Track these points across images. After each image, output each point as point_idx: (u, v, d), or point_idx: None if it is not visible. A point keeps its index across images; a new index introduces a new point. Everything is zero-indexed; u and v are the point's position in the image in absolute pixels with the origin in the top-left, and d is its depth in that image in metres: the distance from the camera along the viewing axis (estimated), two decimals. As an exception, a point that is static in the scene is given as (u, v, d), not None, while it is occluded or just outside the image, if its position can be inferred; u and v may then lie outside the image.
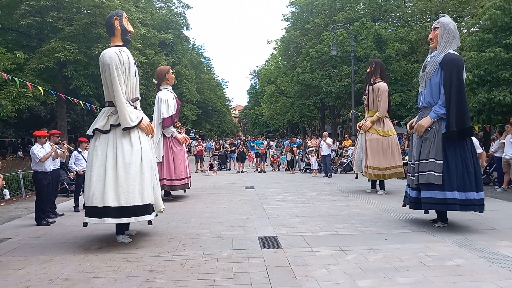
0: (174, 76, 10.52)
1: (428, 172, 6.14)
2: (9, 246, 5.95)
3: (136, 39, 17.40)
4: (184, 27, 31.54)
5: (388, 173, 10.18)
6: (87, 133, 6.14)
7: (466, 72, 12.75)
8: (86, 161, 9.33)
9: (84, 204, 5.80)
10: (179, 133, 10.41)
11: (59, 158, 8.50)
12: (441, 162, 6.10)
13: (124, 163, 5.64)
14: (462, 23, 23.36)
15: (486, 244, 5.34)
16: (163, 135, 9.88)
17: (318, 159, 16.44)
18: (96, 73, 16.54)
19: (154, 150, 6.50)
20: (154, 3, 27.30)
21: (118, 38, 6.12)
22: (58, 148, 8.23)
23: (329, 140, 16.26)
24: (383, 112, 10.33)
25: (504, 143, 10.88)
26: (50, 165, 7.82)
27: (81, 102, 12.68)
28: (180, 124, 11.18)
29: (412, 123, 6.89)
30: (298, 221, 7.09)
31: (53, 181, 8.10)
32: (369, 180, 10.92)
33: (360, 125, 10.84)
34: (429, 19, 25.29)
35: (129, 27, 6.24)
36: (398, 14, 27.75)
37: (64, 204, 9.77)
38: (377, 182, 10.68)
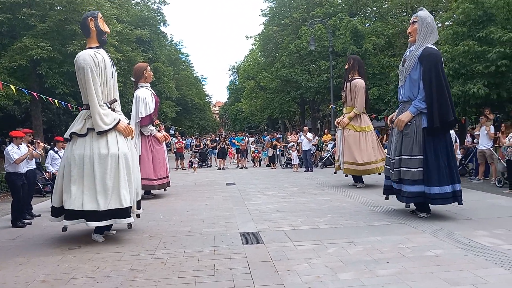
0: (152, 73, 10.34)
1: (414, 169, 6.26)
2: (-17, 249, 5.77)
3: (112, 36, 17.06)
4: (161, 23, 31.10)
5: (366, 168, 10.26)
6: (64, 136, 6.10)
7: (441, 65, 13.14)
8: (63, 161, 9.20)
9: (54, 207, 5.88)
10: (158, 131, 10.21)
11: (34, 158, 8.28)
12: (422, 157, 6.22)
13: (101, 167, 5.60)
14: (437, 17, 23.77)
15: (463, 234, 5.46)
16: (141, 134, 9.71)
17: (299, 154, 16.52)
18: (72, 71, 16.09)
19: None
20: (130, -1, 26.88)
21: (94, 40, 6.05)
22: (34, 150, 8.01)
23: (309, 135, 16.36)
24: (360, 108, 10.44)
25: (479, 134, 11.15)
26: (24, 167, 7.61)
27: (56, 101, 12.38)
28: (159, 122, 11.01)
29: (393, 117, 6.95)
30: (279, 216, 7.11)
31: (29, 182, 7.88)
32: (346, 176, 10.99)
33: (338, 121, 10.96)
34: (405, 14, 25.62)
35: (105, 28, 6.14)
36: (374, 8, 28.02)
37: (40, 205, 9.53)
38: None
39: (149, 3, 29.01)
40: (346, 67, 10.89)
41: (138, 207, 6.36)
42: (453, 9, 13.99)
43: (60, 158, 9.13)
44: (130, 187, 5.80)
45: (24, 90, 11.63)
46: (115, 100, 6.06)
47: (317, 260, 4.61)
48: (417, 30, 6.46)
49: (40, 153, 8.71)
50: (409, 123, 6.39)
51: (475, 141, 12.01)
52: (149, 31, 23.81)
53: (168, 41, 38.42)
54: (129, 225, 5.93)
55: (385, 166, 7.30)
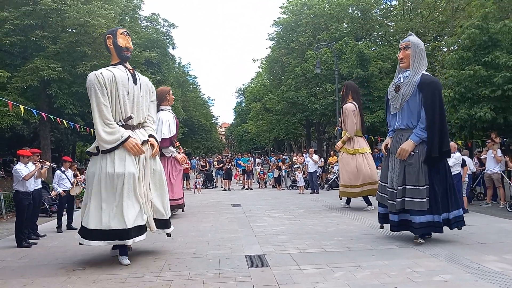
0: (173, 97, 10.68)
1: (423, 199, 6.12)
2: (-12, 269, 5.76)
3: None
4: (170, 46, 31.62)
5: (361, 190, 10.37)
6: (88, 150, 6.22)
7: (447, 89, 13.18)
8: (69, 181, 9.26)
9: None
10: (178, 153, 10.41)
11: (41, 178, 8.32)
12: (428, 187, 6.18)
13: (106, 187, 5.61)
14: (442, 42, 24.02)
15: (472, 259, 5.37)
16: (161, 155, 9.77)
17: (305, 176, 16.47)
18: (81, 91, 16.41)
19: (149, 168, 6.14)
20: (140, 22, 27.36)
21: (115, 57, 6.10)
22: (42, 166, 8.07)
23: (315, 157, 16.34)
24: (351, 131, 10.65)
25: (485, 158, 11.08)
26: (32, 185, 7.66)
27: (64, 121, 12.52)
28: (179, 144, 11.26)
29: (387, 144, 6.78)
30: (285, 239, 7.05)
31: (35, 202, 7.90)
32: (340, 198, 11.23)
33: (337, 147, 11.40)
34: (410, 38, 25.88)
35: (127, 43, 6.08)
36: (380, 33, 28.36)
37: (46, 225, 9.54)
38: (361, 198, 10.74)
39: (159, 26, 29.57)
40: (342, 93, 11.31)
41: (168, 226, 6.30)
42: (459, 34, 14.13)
43: (67, 178, 9.21)
44: (134, 207, 5.69)
45: (33, 110, 11.79)
46: (130, 118, 5.93)
47: (324, 285, 4.55)
48: (410, 56, 6.33)
49: (47, 167, 8.69)
50: (413, 153, 6.26)
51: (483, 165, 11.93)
52: (158, 54, 24.18)
53: (177, 63, 39.00)
54: (128, 248, 6.01)
55: (380, 193, 6.96)
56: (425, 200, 6.12)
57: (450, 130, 13.80)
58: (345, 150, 10.72)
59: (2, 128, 14.57)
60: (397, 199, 6.33)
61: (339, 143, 11.02)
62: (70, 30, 16.63)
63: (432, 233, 6.58)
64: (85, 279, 5.04)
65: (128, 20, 23.77)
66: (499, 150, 10.76)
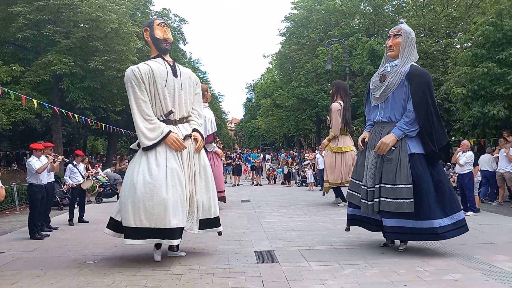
0: (210, 95, 10.91)
1: (399, 200, 5.41)
2: (2, 260, 5.86)
3: (133, 52, 17.47)
4: (181, 41, 31.70)
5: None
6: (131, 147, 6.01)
7: (460, 86, 13.03)
8: (81, 175, 9.37)
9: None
10: (218, 147, 11.00)
11: (53, 171, 8.44)
12: (411, 186, 5.41)
13: (145, 184, 5.27)
14: (455, 39, 23.72)
15: (483, 259, 5.32)
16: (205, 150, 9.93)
17: (314, 172, 16.44)
18: (92, 86, 16.57)
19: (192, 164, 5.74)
20: (151, 17, 27.51)
21: (153, 49, 5.82)
22: (54, 159, 8.18)
23: (325, 154, 16.28)
24: (335, 130, 10.93)
25: (498, 157, 10.95)
26: (45, 178, 7.77)
27: (76, 115, 12.65)
28: (218, 139, 11.71)
29: (365, 138, 6.09)
30: (294, 235, 7.05)
31: (48, 195, 8.02)
32: (323, 194, 12.09)
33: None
34: (422, 35, 25.61)
35: (165, 34, 5.75)
36: (392, 29, 28.14)
37: (58, 218, 9.67)
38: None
39: (170, 22, 29.64)
40: (331, 92, 11.63)
41: (218, 224, 5.91)
42: (472, 31, 13.94)
43: (79, 171, 9.32)
44: (183, 206, 5.37)
45: (45, 104, 11.93)
46: (171, 112, 5.65)
47: (332, 281, 4.55)
48: (400, 44, 5.71)
49: (59, 160, 8.79)
50: (393, 148, 5.58)
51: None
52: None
53: (187, 58, 39.06)
54: (176, 248, 5.85)
55: (350, 191, 6.21)
56: (404, 201, 5.38)
57: (462, 128, 13.67)
58: (329, 148, 11.12)
59: (15, 121, 14.76)
60: (375, 199, 5.66)
61: (325, 141, 11.44)
62: (82, 25, 16.76)
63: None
64: (97, 272, 5.10)
65: (139, 15, 23.90)
66: (511, 149, 10.61)
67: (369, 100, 6.19)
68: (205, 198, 5.70)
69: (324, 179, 11.42)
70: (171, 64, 5.77)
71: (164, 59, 5.75)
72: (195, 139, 5.74)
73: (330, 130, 11.46)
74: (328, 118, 11.53)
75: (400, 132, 5.60)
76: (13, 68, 13.45)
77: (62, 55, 15.52)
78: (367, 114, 6.28)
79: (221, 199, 10.33)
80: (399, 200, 5.42)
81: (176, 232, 5.28)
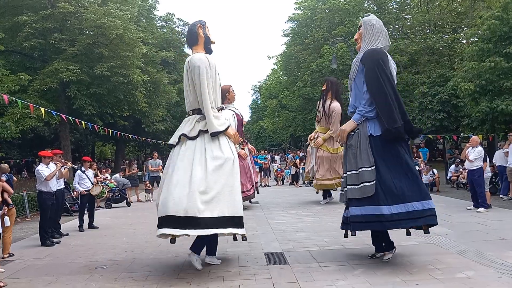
0: (235, 93, 10.32)
1: (362, 185, 5.04)
2: (14, 267, 5.91)
3: (138, 58, 17.56)
4: (186, 45, 31.86)
5: (338, 181, 10.65)
6: (170, 142, 5.59)
7: (467, 81, 12.91)
8: (90, 181, 9.43)
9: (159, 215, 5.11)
10: (242, 148, 10.52)
11: (62, 178, 8.50)
12: (373, 168, 5.02)
13: (213, 171, 5.08)
14: (461, 34, 23.55)
15: (495, 255, 5.26)
16: None
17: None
18: (99, 92, 16.69)
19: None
20: (155, 22, 27.62)
21: (201, 47, 5.67)
22: (62, 166, 8.24)
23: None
24: (336, 131, 10.73)
25: (507, 152, 10.83)
26: (55, 185, 7.83)
27: (83, 122, 12.73)
28: (242, 139, 11.12)
29: (312, 137, 5.78)
30: (304, 236, 7.03)
31: (58, 201, 8.08)
32: (317, 192, 11.72)
33: (311, 138, 11.45)
34: (428, 31, 25.47)
35: (210, 36, 5.79)
36: (397, 26, 27.98)
37: (68, 224, 9.74)
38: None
39: (174, 26, 29.81)
40: (324, 88, 11.17)
41: (242, 225, 5.26)
42: (478, 26, 13.83)
43: (87, 177, 9.38)
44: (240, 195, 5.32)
45: (53, 112, 12.03)
46: (222, 108, 5.75)
47: (344, 282, 4.52)
48: (362, 35, 5.58)
49: (68, 167, 8.86)
50: (352, 133, 5.34)
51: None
52: (173, 53, 24.42)
53: (192, 62, 39.17)
54: (244, 237, 5.39)
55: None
56: (368, 184, 4.99)
57: (471, 124, 13.54)
58: (326, 148, 10.99)
59: (24, 130, 14.91)
60: (343, 189, 5.41)
61: (319, 140, 11.05)
62: (87, 32, 16.91)
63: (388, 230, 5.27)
64: (108, 277, 5.13)
65: (144, 20, 24.04)
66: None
67: None
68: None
69: (317, 177, 11.10)
70: (213, 62, 5.61)
71: (207, 56, 5.58)
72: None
73: (318, 125, 11.35)
74: (318, 114, 11.29)
75: (358, 116, 5.32)
76: (21, 77, 13.59)
77: (69, 62, 15.66)
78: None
79: (247, 198, 10.29)
80: (362, 184, 5.05)
81: (242, 221, 5.21)
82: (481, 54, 12.89)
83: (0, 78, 12.89)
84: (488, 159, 9.95)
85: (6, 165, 7.88)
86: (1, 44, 12.73)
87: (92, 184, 9.49)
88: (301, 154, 22.64)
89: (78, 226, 9.00)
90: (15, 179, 10.91)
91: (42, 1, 15.89)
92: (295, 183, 18.51)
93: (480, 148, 9.24)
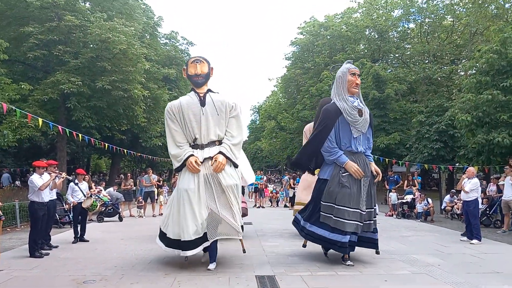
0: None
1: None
2: (1, 278, 5.81)
3: (140, 73, 17.68)
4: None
5: None
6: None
7: (464, 113, 13.04)
8: (83, 193, 9.37)
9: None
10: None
11: (55, 189, 8.45)
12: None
13: (176, 200, 6.29)
14: (460, 66, 23.91)
15: (488, 288, 5.22)
16: None
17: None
18: (99, 105, 16.72)
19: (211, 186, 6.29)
20: (159, 40, 27.89)
21: (192, 84, 6.74)
22: (56, 177, 8.20)
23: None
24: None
25: (503, 184, 10.86)
26: (47, 196, 7.77)
27: (80, 135, 12.70)
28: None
29: (354, 167, 6.44)
30: (296, 260, 6.97)
31: (49, 212, 8.00)
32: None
33: None
34: (427, 61, 25.84)
35: (196, 70, 6.60)
36: (397, 55, 28.40)
37: (58, 236, 9.62)
38: None
39: (177, 44, 30.09)
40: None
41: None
42: (477, 59, 14.05)
43: (80, 190, 9.33)
44: (193, 221, 6.02)
45: (50, 123, 12.01)
46: (195, 138, 6.46)
47: (334, 308, 4.46)
48: (359, 86, 6.84)
49: (62, 178, 8.82)
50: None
51: (488, 190, 11.73)
52: (175, 70, 24.57)
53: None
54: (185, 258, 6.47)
55: (353, 221, 6.37)
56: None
57: (467, 155, 13.61)
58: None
59: (21, 138, 14.85)
60: (367, 221, 6.63)
61: None
62: (91, 45, 17.03)
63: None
64: (95, 293, 5.04)
65: (148, 37, 24.29)
66: (517, 177, 10.51)
67: (343, 130, 6.67)
68: (228, 214, 6.19)
69: (297, 202, 10.54)
70: (202, 95, 6.54)
71: (196, 92, 6.59)
72: (215, 160, 6.25)
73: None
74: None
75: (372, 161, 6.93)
76: (22, 86, 13.63)
77: (71, 74, 15.72)
78: (335, 141, 6.68)
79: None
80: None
81: (186, 245, 5.98)
82: (478, 87, 13.05)
83: (2, 86, 12.93)
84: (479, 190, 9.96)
85: None
86: (5, 53, 12.80)
87: (85, 196, 9.42)
88: (295, 174, 22.57)
89: (73, 237, 8.93)
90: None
91: (49, 13, 16.05)
92: (290, 205, 18.40)
93: (476, 180, 9.27)
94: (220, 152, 6.32)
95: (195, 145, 6.43)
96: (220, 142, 6.49)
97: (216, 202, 6.13)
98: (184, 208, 6.04)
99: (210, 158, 6.27)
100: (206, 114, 6.40)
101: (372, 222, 6.68)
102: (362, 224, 6.44)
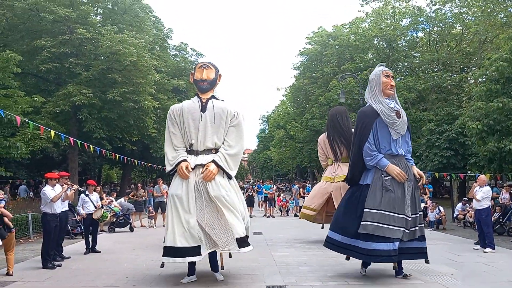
0: None
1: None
2: (14, 289, 5.88)
3: (150, 85, 17.89)
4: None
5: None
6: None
7: (475, 121, 12.95)
8: (93, 204, 9.46)
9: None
10: None
11: (67, 200, 8.55)
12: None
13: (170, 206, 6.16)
14: (469, 73, 23.78)
15: (503, 299, 5.15)
16: None
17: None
18: (110, 116, 16.93)
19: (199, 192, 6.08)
20: (169, 51, 28.19)
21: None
22: (68, 188, 8.31)
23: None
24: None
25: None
26: (59, 207, 7.86)
27: (91, 146, 12.86)
28: None
29: (396, 169, 6.13)
30: (307, 270, 6.94)
31: (61, 223, 8.10)
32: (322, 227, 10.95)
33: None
34: (436, 69, 25.76)
35: (201, 75, 6.48)
36: (406, 64, 28.33)
37: (70, 247, 9.70)
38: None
39: (187, 55, 30.39)
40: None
41: (243, 245, 6.01)
42: (486, 67, 13.97)
43: (91, 201, 9.42)
44: (178, 228, 5.87)
45: (61, 134, 12.18)
46: (191, 144, 6.34)
47: (346, 319, 4.44)
48: (394, 87, 6.59)
49: (74, 189, 8.93)
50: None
51: (501, 197, 11.59)
52: (185, 81, 24.77)
53: (202, 90, 39.77)
54: (161, 264, 6.26)
55: (396, 227, 5.95)
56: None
57: (478, 163, 13.49)
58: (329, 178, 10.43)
59: (33, 150, 15.08)
60: (412, 228, 6.12)
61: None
62: (102, 57, 17.31)
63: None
64: (107, 303, 5.08)
65: (158, 48, 24.57)
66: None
67: (381, 132, 6.35)
68: (214, 226, 5.89)
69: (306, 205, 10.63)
70: (204, 100, 6.42)
71: (199, 97, 6.50)
72: (206, 168, 6.04)
73: (344, 158, 10.36)
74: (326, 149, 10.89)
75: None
76: (35, 98, 13.87)
77: (82, 86, 15.97)
78: (375, 145, 6.33)
79: None
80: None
81: (179, 251, 5.77)
82: (489, 95, 12.97)
83: (15, 99, 13.17)
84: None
85: (1, 191, 8.03)
86: (18, 66, 13.07)
87: (95, 207, 9.51)
88: (304, 183, 22.53)
89: (85, 248, 9.00)
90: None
91: (61, 27, 16.37)
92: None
93: (487, 188, 9.18)
94: (213, 161, 6.09)
95: (190, 151, 6.29)
96: (216, 150, 6.30)
97: (204, 212, 5.90)
98: (172, 214, 5.95)
99: (202, 165, 6.07)
100: (205, 120, 6.23)
101: (417, 228, 6.20)
102: (408, 232, 6.00)
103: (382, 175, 6.08)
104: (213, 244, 5.88)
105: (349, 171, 6.66)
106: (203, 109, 6.28)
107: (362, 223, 5.91)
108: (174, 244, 5.76)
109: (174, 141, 6.31)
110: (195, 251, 5.76)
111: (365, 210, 5.97)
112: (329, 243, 6.46)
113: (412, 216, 6.07)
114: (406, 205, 6.06)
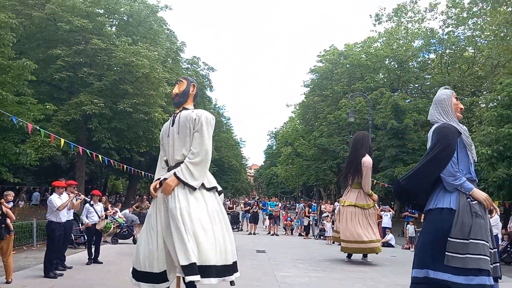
0: None
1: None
2: (14, 297, 5.86)
3: (161, 97, 18.05)
4: (208, 88, 32.69)
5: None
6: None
7: (485, 146, 12.84)
8: (97, 214, 9.46)
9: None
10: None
11: (73, 209, 8.57)
12: None
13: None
14: (480, 97, 23.69)
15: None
16: None
17: (333, 226, 16.08)
18: (119, 127, 17.08)
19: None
20: (181, 64, 28.54)
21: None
22: (75, 197, 8.33)
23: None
24: (368, 187, 10.67)
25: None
26: (65, 216, 7.87)
27: (99, 156, 12.93)
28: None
29: (483, 194, 5.40)
30: (309, 292, 6.82)
31: (66, 232, 8.10)
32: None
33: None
34: (447, 92, 25.67)
35: (176, 89, 6.09)
36: (416, 85, 28.32)
37: (73, 257, 9.67)
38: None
39: (199, 69, 30.74)
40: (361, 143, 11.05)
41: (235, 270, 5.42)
42: (498, 91, 13.92)
43: (95, 211, 9.43)
44: (143, 248, 5.33)
45: (71, 143, 12.28)
46: (166, 161, 5.93)
47: None
48: None
49: (80, 199, 8.95)
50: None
51: (509, 225, 11.38)
52: (196, 95, 25.04)
53: (212, 104, 40.08)
54: None
55: (488, 257, 4.69)
56: None
57: (487, 189, 13.32)
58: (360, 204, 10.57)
59: (42, 157, 15.22)
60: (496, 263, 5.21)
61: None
62: (115, 68, 17.54)
63: None
64: (106, 317, 5.03)
65: (170, 61, 24.87)
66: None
67: (461, 153, 5.41)
68: (172, 244, 5.07)
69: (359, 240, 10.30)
70: (176, 115, 5.90)
71: (174, 112, 6.06)
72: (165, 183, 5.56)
73: (355, 184, 10.66)
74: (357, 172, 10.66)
75: None
76: (47, 106, 14.06)
77: (94, 96, 16.16)
78: (460, 168, 5.48)
79: None
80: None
81: (149, 277, 5.18)
82: (499, 120, 12.90)
83: (28, 106, 13.35)
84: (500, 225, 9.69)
85: (11, 192, 8.05)
86: (33, 74, 13.28)
87: (99, 218, 9.51)
88: (310, 202, 22.39)
89: (87, 259, 8.97)
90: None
91: (76, 37, 16.68)
92: (304, 234, 18.16)
93: (496, 216, 9.03)
94: (174, 173, 5.53)
95: (169, 168, 5.79)
96: None
97: (164, 230, 5.30)
98: (141, 235, 5.52)
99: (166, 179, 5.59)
100: (173, 134, 5.86)
101: (496, 266, 4.87)
102: (492, 267, 4.81)
103: (469, 199, 5.20)
104: (170, 268, 5.26)
105: (407, 179, 5.27)
106: (173, 123, 5.89)
107: (447, 254, 4.93)
108: (138, 267, 5.24)
109: (161, 161, 6.02)
110: (163, 277, 5.23)
111: (449, 239, 4.67)
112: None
113: (493, 249, 4.91)
114: (489, 235, 5.24)
